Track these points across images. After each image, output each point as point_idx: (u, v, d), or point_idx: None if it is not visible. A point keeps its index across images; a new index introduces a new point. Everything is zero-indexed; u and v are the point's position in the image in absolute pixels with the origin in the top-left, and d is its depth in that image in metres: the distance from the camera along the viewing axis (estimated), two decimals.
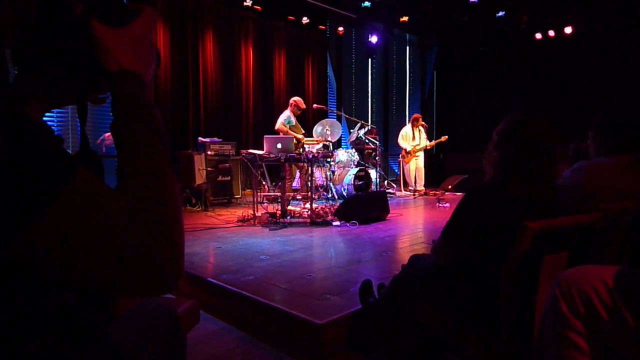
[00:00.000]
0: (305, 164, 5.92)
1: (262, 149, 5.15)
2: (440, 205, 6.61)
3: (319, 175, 6.94)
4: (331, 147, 6.86)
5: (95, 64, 0.65)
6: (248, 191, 7.11)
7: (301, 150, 6.15)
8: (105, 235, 0.52)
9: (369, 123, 8.50)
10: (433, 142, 8.68)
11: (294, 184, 7.05)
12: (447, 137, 8.54)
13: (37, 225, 0.48)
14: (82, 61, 0.65)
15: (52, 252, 0.50)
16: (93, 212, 0.52)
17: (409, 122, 8.68)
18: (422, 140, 8.41)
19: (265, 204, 5.89)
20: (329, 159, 6.48)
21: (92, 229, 0.51)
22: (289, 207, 5.66)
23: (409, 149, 8.30)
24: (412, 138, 8.36)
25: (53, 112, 5.42)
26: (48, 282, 0.59)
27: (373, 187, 6.99)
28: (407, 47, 12.02)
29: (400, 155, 8.54)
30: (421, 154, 8.43)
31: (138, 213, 0.55)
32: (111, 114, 0.65)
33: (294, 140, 5.70)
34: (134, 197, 0.57)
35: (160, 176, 0.61)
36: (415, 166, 8.38)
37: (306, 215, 5.31)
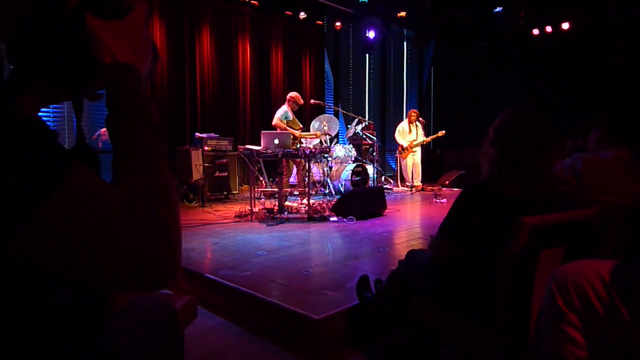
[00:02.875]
0: (303, 160, 5.91)
1: (260, 145, 5.14)
2: (437, 200, 6.63)
3: (316, 170, 6.93)
4: (328, 142, 6.85)
5: (89, 57, 0.65)
6: (245, 187, 7.10)
7: (298, 145, 6.14)
8: (100, 230, 0.51)
9: (367, 119, 8.48)
10: (430, 138, 8.68)
11: (291, 179, 7.04)
12: (444, 132, 8.54)
13: (31, 220, 0.48)
14: (77, 55, 0.65)
15: (47, 247, 0.49)
16: (88, 206, 0.51)
17: (405, 118, 8.68)
18: (419, 136, 8.41)
19: (263, 199, 5.88)
20: (326, 155, 6.47)
21: (87, 223, 0.51)
22: (286, 203, 5.66)
23: (405, 145, 8.30)
24: (409, 133, 8.36)
25: (49, 107, 5.39)
26: (44, 277, 0.59)
27: (370, 182, 6.99)
28: (405, 43, 11.99)
29: (397, 151, 8.54)
30: (418, 150, 8.43)
31: (134, 208, 0.54)
32: (106, 107, 0.65)
33: (291, 136, 5.70)
34: (129, 192, 0.56)
35: (156, 171, 0.61)
36: (412, 162, 8.39)
37: (303, 211, 5.31)
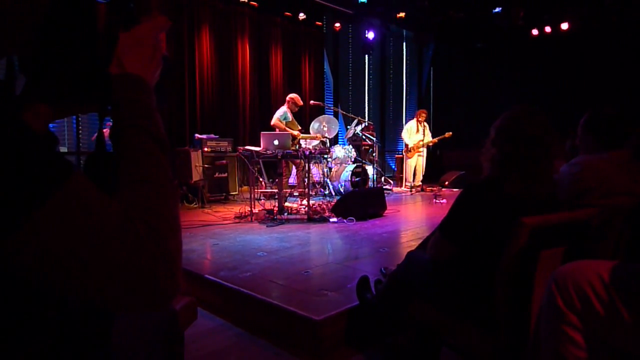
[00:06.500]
0: (302, 161, 5.91)
1: (259, 146, 5.14)
2: (437, 201, 6.62)
3: (316, 171, 6.93)
4: (328, 143, 6.86)
5: (99, 68, 0.64)
6: (245, 188, 7.10)
7: (297, 146, 6.14)
8: (92, 243, 0.49)
9: (366, 119, 8.48)
10: (437, 139, 8.65)
11: (291, 180, 7.04)
12: (451, 133, 8.51)
13: (21, 230, 0.46)
14: (87, 65, 0.64)
15: (36, 260, 0.47)
16: (81, 218, 0.49)
17: (414, 117, 8.64)
18: (426, 136, 8.42)
19: (262, 200, 5.88)
20: (325, 156, 6.47)
21: (78, 236, 0.48)
22: (286, 204, 5.66)
23: (410, 144, 8.33)
24: (416, 132, 8.38)
25: None
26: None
27: (370, 183, 6.99)
28: (404, 43, 11.99)
29: (404, 150, 8.57)
30: (424, 150, 8.46)
31: (132, 222, 0.52)
32: (111, 119, 0.64)
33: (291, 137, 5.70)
34: (128, 206, 0.54)
35: (157, 185, 0.59)
36: (417, 162, 8.42)
37: (303, 212, 5.30)
